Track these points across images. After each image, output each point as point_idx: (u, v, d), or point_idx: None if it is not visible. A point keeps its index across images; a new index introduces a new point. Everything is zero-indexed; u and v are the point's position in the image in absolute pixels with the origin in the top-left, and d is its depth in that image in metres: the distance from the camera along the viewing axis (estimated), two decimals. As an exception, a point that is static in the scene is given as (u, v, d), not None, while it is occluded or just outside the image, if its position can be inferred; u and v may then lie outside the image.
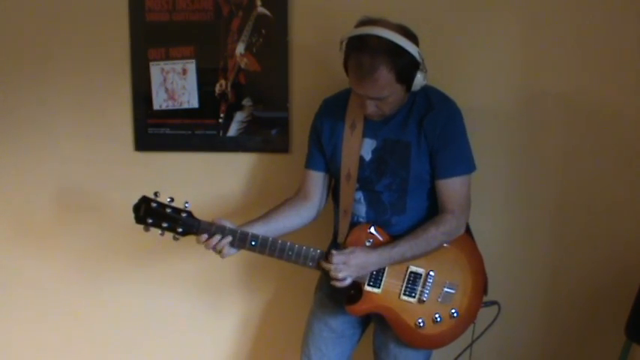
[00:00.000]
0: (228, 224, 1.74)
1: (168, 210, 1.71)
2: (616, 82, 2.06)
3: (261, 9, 2.14)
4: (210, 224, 1.72)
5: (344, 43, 1.68)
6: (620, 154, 2.10)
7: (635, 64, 2.04)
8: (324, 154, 1.89)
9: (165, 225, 1.70)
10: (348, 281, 1.74)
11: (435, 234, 1.75)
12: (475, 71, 2.10)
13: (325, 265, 1.73)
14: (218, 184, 2.27)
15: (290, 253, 1.75)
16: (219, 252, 1.73)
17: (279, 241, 1.75)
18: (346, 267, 1.72)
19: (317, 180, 1.92)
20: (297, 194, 1.94)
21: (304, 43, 2.14)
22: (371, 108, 1.69)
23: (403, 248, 1.74)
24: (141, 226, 1.72)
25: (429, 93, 1.79)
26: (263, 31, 2.15)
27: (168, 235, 1.73)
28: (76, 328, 2.42)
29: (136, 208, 1.71)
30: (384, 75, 1.61)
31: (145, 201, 1.72)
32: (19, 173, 2.33)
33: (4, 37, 2.25)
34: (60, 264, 2.37)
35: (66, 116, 2.27)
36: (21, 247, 2.38)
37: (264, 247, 1.74)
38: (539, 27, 2.06)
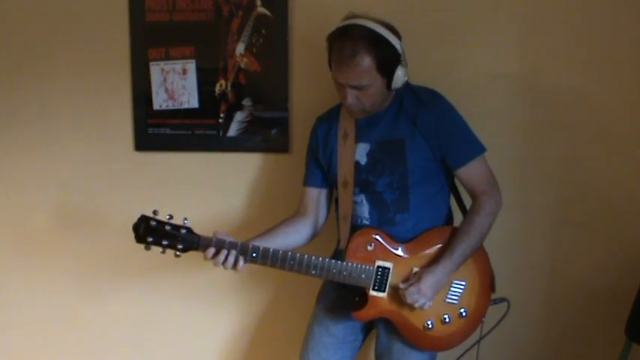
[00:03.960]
0: (227, 238, 1.72)
1: (168, 227, 1.69)
2: (616, 83, 2.06)
3: (261, 9, 2.14)
4: (210, 239, 1.71)
5: (328, 39, 1.71)
6: (620, 154, 2.10)
7: (634, 64, 2.04)
8: (321, 169, 1.91)
9: (165, 243, 1.69)
10: (428, 305, 1.75)
11: (480, 220, 1.76)
12: (474, 72, 2.09)
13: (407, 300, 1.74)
14: (218, 184, 2.27)
15: (292, 262, 1.73)
16: (234, 268, 1.72)
17: (280, 252, 1.73)
18: (421, 295, 1.72)
19: (316, 197, 1.94)
20: (296, 213, 1.95)
21: (304, 43, 2.14)
22: (351, 99, 1.70)
23: (461, 249, 1.74)
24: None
25: (415, 90, 1.80)
26: (263, 31, 2.15)
27: (170, 252, 1.71)
28: (75, 330, 2.42)
29: (136, 228, 1.69)
30: (365, 61, 1.64)
31: (143, 220, 1.69)
32: (19, 173, 2.33)
33: (4, 37, 2.25)
34: (59, 264, 2.36)
35: (66, 116, 2.27)
36: (20, 247, 2.37)
37: (266, 258, 1.73)
38: (539, 27, 2.06)
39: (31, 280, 2.39)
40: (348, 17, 1.71)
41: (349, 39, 1.64)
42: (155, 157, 2.27)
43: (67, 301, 2.40)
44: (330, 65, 1.74)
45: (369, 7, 2.04)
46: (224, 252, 1.70)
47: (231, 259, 1.70)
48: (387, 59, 1.67)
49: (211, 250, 1.70)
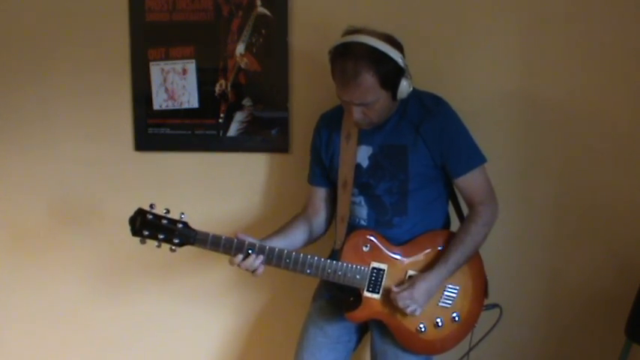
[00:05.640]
0: (248, 238, 1.73)
1: (164, 221, 1.70)
2: (614, 84, 2.06)
3: (261, 9, 2.14)
4: (207, 234, 1.72)
5: (330, 54, 1.71)
6: (619, 156, 2.09)
7: (633, 66, 2.04)
8: (324, 168, 1.92)
9: (161, 236, 1.69)
10: (419, 311, 1.75)
11: (477, 229, 1.77)
12: (474, 74, 2.09)
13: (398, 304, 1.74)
14: (218, 184, 2.27)
15: (287, 260, 1.74)
16: (253, 272, 1.73)
17: (276, 249, 1.74)
18: (413, 301, 1.73)
19: (321, 195, 1.95)
20: (305, 210, 1.97)
21: (304, 42, 2.14)
22: (357, 114, 1.71)
23: (456, 257, 1.75)
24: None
25: (421, 97, 1.80)
26: (263, 31, 2.15)
27: (165, 246, 1.71)
28: (74, 329, 2.42)
29: (132, 221, 1.69)
30: (368, 80, 1.64)
31: (140, 213, 1.70)
32: (19, 173, 2.33)
33: (4, 36, 2.25)
34: (58, 264, 2.37)
35: (66, 116, 2.27)
36: (20, 248, 2.37)
37: (261, 254, 1.73)
38: (538, 29, 2.05)
39: (30, 280, 2.39)
40: (348, 32, 1.70)
41: (351, 58, 1.64)
42: (155, 157, 2.28)
43: (65, 300, 2.40)
44: (333, 78, 1.73)
45: (368, 8, 2.05)
46: (253, 256, 1.70)
47: (257, 262, 1.71)
48: (390, 74, 1.66)
49: (239, 257, 1.70)
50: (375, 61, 1.63)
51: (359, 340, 1.98)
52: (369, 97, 1.67)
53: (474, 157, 1.80)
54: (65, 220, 2.33)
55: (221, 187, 2.27)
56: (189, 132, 2.23)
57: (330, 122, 1.91)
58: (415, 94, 1.77)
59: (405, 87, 1.70)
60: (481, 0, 2.07)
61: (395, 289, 1.75)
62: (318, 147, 1.93)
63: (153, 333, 2.40)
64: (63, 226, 2.34)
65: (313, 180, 1.97)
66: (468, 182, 1.80)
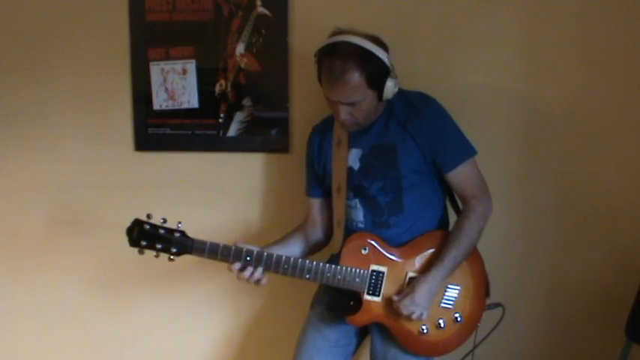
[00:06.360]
0: (246, 246, 1.74)
1: (162, 231, 1.71)
2: (616, 84, 2.06)
3: (261, 9, 2.14)
4: (204, 242, 1.72)
5: (317, 55, 1.73)
6: (619, 156, 2.09)
7: (633, 66, 2.04)
8: (319, 177, 1.93)
9: (159, 246, 1.70)
10: (426, 315, 1.74)
11: (471, 224, 1.77)
12: (474, 73, 2.09)
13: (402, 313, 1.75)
14: (218, 184, 2.27)
15: (286, 266, 1.75)
16: (257, 282, 1.76)
17: (275, 255, 1.75)
18: (417, 306, 1.72)
19: (319, 205, 1.97)
20: (306, 221, 1.98)
21: (304, 43, 2.14)
22: (344, 115, 1.73)
23: (452, 254, 1.75)
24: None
25: (407, 96, 1.81)
26: (263, 31, 2.15)
27: (164, 255, 1.73)
28: (74, 330, 2.42)
29: (129, 232, 1.71)
30: (355, 78, 1.65)
31: (137, 224, 1.71)
32: (19, 173, 2.33)
33: (4, 37, 2.25)
34: (58, 265, 2.37)
35: (66, 116, 2.27)
36: (20, 247, 2.37)
37: (260, 261, 1.74)
38: (540, 29, 2.05)
39: (29, 281, 2.39)
40: (334, 33, 1.72)
41: (338, 57, 1.65)
42: (155, 157, 2.27)
43: (64, 301, 2.40)
44: (320, 81, 1.75)
45: (368, 7, 2.05)
46: (250, 269, 1.73)
47: (256, 274, 1.74)
48: (377, 73, 1.68)
49: (237, 264, 1.73)
50: (363, 60, 1.65)
51: (358, 343, 1.97)
52: (356, 96, 1.68)
53: (463, 151, 1.80)
54: (65, 219, 2.33)
55: (221, 187, 2.26)
56: (190, 132, 2.23)
57: (321, 131, 1.93)
58: (401, 93, 1.79)
59: (390, 87, 1.71)
60: (481, 0, 2.07)
61: (395, 297, 1.75)
62: (312, 157, 1.95)
63: (151, 337, 2.40)
64: (63, 226, 2.33)
65: (310, 191, 1.98)
66: (459, 176, 1.79)
